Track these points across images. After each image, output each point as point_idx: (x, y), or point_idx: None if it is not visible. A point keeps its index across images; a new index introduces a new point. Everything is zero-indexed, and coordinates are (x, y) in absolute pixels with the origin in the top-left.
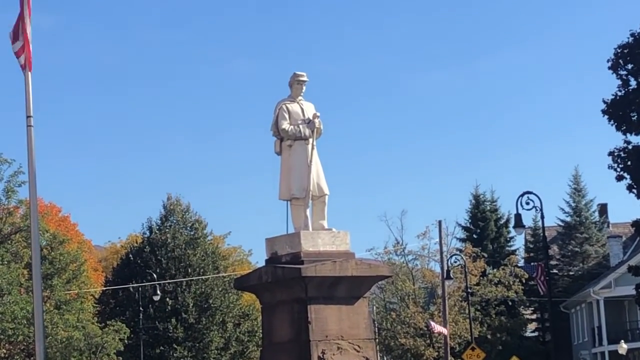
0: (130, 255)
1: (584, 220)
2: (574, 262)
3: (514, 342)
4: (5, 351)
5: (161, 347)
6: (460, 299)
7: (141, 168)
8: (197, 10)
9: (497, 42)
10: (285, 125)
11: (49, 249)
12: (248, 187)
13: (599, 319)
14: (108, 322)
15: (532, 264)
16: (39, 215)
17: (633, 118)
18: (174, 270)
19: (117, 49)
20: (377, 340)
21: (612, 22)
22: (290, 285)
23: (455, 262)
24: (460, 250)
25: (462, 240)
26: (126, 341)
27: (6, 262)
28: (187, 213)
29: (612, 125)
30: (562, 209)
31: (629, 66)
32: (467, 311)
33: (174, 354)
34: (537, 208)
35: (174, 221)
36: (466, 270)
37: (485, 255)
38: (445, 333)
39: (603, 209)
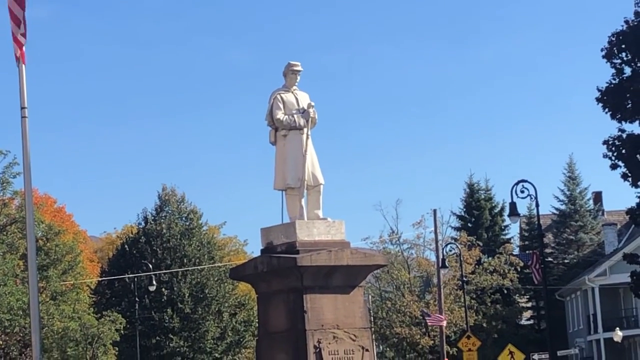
0: (126, 246)
1: (579, 209)
2: (568, 250)
3: (509, 330)
4: (1, 342)
5: (157, 337)
6: (456, 288)
7: (136, 159)
8: (191, 2)
9: (492, 30)
10: (280, 115)
11: (44, 240)
12: (243, 178)
13: (594, 307)
14: (104, 313)
15: (527, 252)
16: (34, 206)
17: (627, 106)
18: (169, 261)
19: (112, 40)
20: (372, 329)
21: (606, 10)
22: (285, 274)
23: (451, 250)
24: (455, 239)
25: (457, 229)
26: (122, 331)
27: (1, 253)
28: (182, 203)
29: (606, 113)
30: (557, 197)
31: (623, 54)
32: (462, 300)
33: (170, 344)
34: (532, 196)
35: (169, 211)
36: (461, 258)
37: (480, 243)
38: (443, 324)
39: (598, 197)
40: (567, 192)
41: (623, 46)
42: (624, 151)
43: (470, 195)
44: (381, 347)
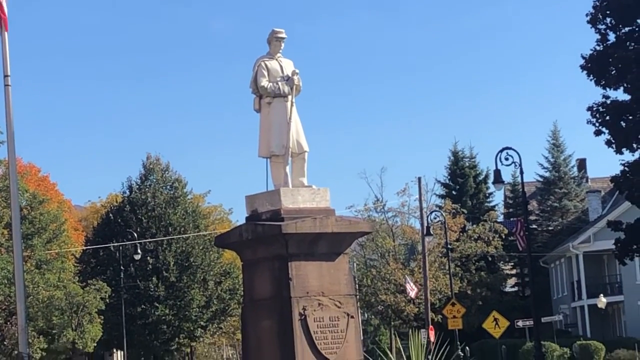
0: (111, 215)
1: (563, 176)
2: (553, 217)
3: (493, 297)
4: None
5: (142, 306)
6: (440, 255)
7: (120, 127)
8: None
9: None
10: (264, 82)
11: (28, 209)
12: (227, 146)
13: (578, 274)
14: (89, 282)
15: (511, 219)
16: (18, 175)
17: (612, 73)
18: (154, 229)
19: (95, 10)
20: (357, 296)
21: None
22: (270, 242)
23: (435, 218)
24: (440, 207)
25: (441, 196)
26: (107, 300)
27: None
28: (166, 172)
29: (590, 80)
30: (541, 165)
31: (608, 20)
32: (447, 267)
33: (156, 312)
34: (516, 164)
35: (154, 180)
36: (446, 226)
37: (465, 211)
38: (413, 296)
39: (582, 164)
40: (551, 159)
41: (608, 12)
42: (608, 117)
43: (455, 163)
44: (366, 315)
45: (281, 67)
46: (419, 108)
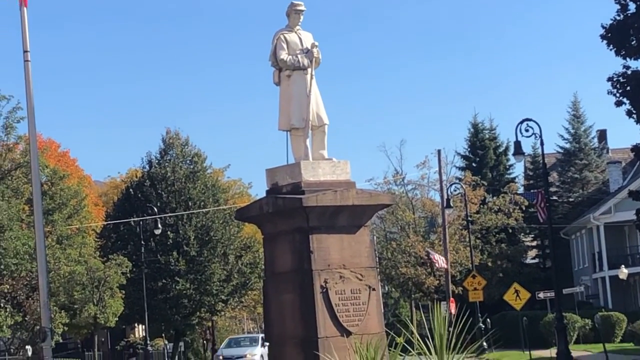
0: (131, 190)
1: (583, 147)
2: (573, 189)
3: (514, 269)
4: (8, 286)
5: (163, 280)
6: (461, 228)
7: (140, 102)
8: None
9: None
10: (284, 55)
11: (49, 185)
12: (247, 119)
13: (599, 245)
14: (110, 256)
15: (531, 191)
16: (38, 151)
17: (632, 43)
18: (174, 204)
19: None
20: (378, 269)
21: None
22: (291, 215)
23: (455, 190)
24: (460, 179)
25: (461, 169)
26: (128, 275)
27: (7, 198)
28: (186, 146)
29: (611, 50)
30: (562, 136)
31: None
32: (467, 239)
33: (176, 287)
34: (537, 135)
35: (173, 155)
36: (466, 198)
37: (485, 183)
38: (444, 266)
39: (602, 134)
40: (572, 131)
41: None
42: (628, 88)
43: (475, 135)
44: (386, 288)
45: (300, 39)
46: (439, 80)
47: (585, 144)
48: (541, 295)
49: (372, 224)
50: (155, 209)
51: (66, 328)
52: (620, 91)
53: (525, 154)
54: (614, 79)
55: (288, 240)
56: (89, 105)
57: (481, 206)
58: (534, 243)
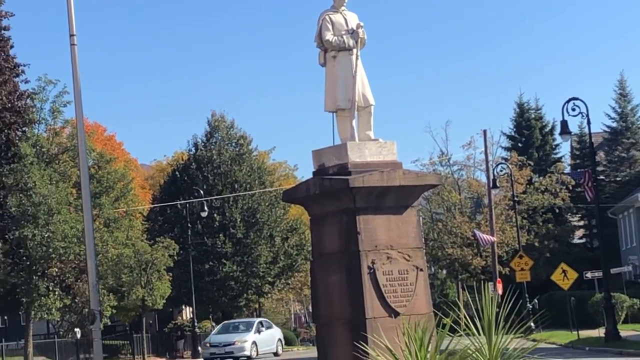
0: (177, 173)
1: (630, 125)
2: (620, 168)
3: (561, 249)
4: (57, 270)
5: (210, 263)
6: (507, 208)
7: (185, 85)
8: None
9: None
10: (329, 36)
11: (96, 168)
12: (291, 102)
13: None
14: (157, 239)
15: (578, 170)
16: (85, 134)
17: None
18: (220, 187)
19: None
20: (424, 250)
21: None
22: (338, 196)
23: (501, 171)
24: (506, 159)
25: (507, 149)
26: (175, 257)
27: (54, 182)
28: (231, 129)
29: None
30: (608, 115)
31: None
32: (514, 220)
33: (223, 269)
34: (583, 114)
35: (219, 137)
36: (512, 178)
37: (531, 163)
38: (492, 240)
39: None
40: (618, 109)
41: None
42: None
43: (521, 115)
44: (433, 269)
45: (346, 20)
46: (484, 60)
47: (632, 122)
48: (589, 275)
49: (419, 205)
50: (202, 192)
51: (114, 311)
52: None
53: (572, 134)
54: None
55: (335, 222)
56: (134, 90)
57: (527, 186)
58: (581, 223)
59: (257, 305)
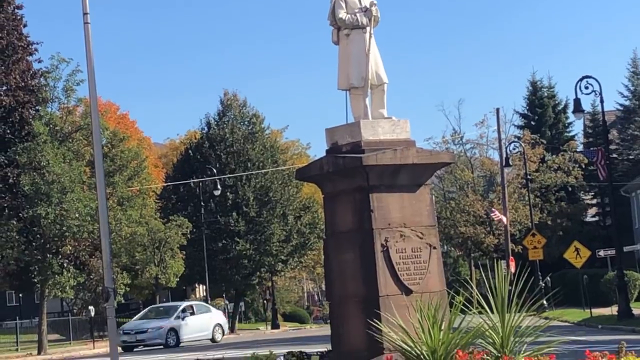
0: (190, 151)
1: None
2: (633, 146)
3: (574, 227)
4: (71, 247)
5: (223, 241)
6: (520, 186)
7: (197, 64)
8: None
9: None
10: (342, 14)
11: (109, 147)
12: (304, 80)
13: None
14: (170, 218)
15: (591, 149)
16: (98, 113)
17: None
18: (233, 165)
19: None
20: (437, 228)
21: None
22: (351, 174)
23: (514, 149)
24: (519, 138)
25: (520, 127)
26: (189, 235)
27: (68, 161)
28: (244, 108)
29: None
30: (621, 93)
31: None
32: (526, 198)
33: (236, 247)
34: (596, 92)
35: (232, 116)
36: (525, 157)
37: (544, 141)
38: (505, 221)
39: None
40: (632, 88)
41: None
42: None
43: (533, 93)
44: (446, 247)
45: None
46: (497, 38)
47: None
48: (601, 253)
49: (431, 184)
50: (215, 170)
51: (128, 289)
52: None
53: (585, 112)
54: None
55: (348, 200)
56: (148, 69)
57: (540, 164)
58: (594, 201)
59: (270, 284)
